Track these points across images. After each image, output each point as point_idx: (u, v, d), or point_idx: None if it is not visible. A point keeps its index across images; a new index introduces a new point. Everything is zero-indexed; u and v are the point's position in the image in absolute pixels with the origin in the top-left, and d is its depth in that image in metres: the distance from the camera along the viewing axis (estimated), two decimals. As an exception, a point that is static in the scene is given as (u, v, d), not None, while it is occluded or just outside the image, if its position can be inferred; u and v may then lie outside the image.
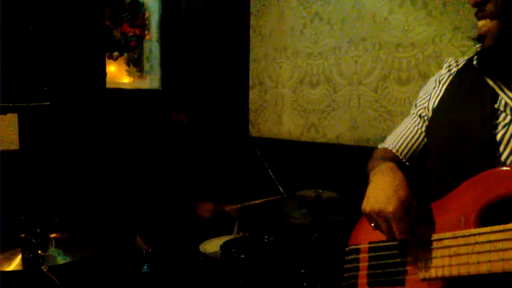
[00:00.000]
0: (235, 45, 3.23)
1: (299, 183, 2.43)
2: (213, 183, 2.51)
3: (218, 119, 2.93)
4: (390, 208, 0.91)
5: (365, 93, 2.49)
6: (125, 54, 2.78)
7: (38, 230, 1.31)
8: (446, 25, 2.12)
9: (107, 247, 1.67)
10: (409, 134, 1.17)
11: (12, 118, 1.99)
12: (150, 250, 1.60)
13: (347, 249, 1.15)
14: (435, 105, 1.09)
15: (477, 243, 0.82)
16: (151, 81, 2.98)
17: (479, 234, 0.83)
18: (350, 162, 2.53)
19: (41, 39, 1.01)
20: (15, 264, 1.50)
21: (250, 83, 3.22)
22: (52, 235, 1.43)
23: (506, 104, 0.91)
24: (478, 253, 0.81)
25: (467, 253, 0.83)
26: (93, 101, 1.16)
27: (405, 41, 2.29)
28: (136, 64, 2.89)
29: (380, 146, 1.27)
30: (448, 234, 0.88)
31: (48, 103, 1.04)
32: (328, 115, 2.70)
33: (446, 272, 0.86)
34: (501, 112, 0.91)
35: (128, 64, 2.84)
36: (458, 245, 0.85)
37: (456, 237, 0.86)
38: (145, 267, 1.58)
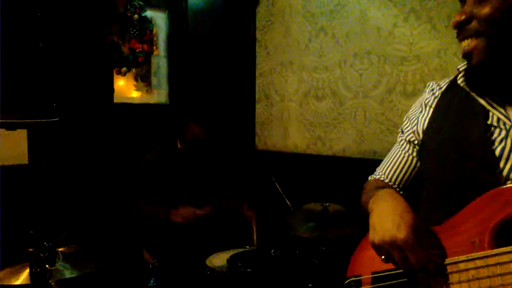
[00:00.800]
0: (241, 59, 3.27)
1: (306, 196, 2.43)
2: (219, 195, 2.51)
3: (224, 133, 2.94)
4: (401, 235, 0.86)
5: (371, 106, 2.50)
6: (134, 69, 2.82)
7: (46, 244, 1.32)
8: (451, 39, 2.13)
9: (114, 261, 1.68)
10: (400, 161, 1.15)
11: (21, 133, 2.02)
12: (156, 264, 1.60)
13: (346, 282, 1.09)
14: (424, 127, 1.07)
15: (499, 264, 0.78)
16: (159, 95, 3.01)
17: (499, 254, 0.79)
18: (357, 175, 2.51)
19: (50, 56, 1.04)
20: (22, 278, 1.52)
21: (257, 97, 3.24)
22: (60, 249, 1.44)
23: (498, 119, 0.91)
24: (501, 275, 0.77)
25: (489, 276, 0.79)
26: (101, 116, 1.18)
27: (410, 55, 2.30)
28: (144, 79, 2.92)
29: (371, 177, 1.25)
30: (462, 257, 0.84)
31: (57, 119, 1.06)
32: (334, 128, 2.71)
33: None
34: (495, 127, 0.91)
35: (136, 79, 2.88)
36: (477, 268, 0.81)
37: (473, 260, 0.82)
38: (152, 281, 1.57)
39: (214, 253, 2.17)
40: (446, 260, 0.87)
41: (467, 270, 0.83)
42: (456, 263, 0.85)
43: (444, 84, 1.09)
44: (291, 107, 2.98)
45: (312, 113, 2.84)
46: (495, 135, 0.90)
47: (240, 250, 2.17)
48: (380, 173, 1.20)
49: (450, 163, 0.95)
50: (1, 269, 1.51)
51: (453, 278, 0.84)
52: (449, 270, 0.86)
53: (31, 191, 2.02)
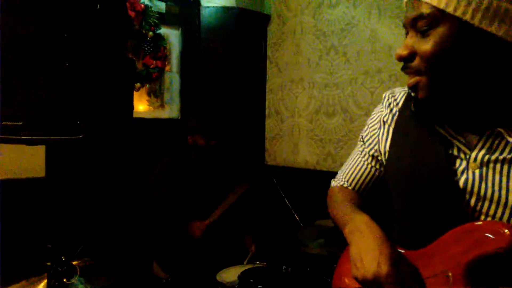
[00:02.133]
0: (252, 76, 3.31)
1: (317, 212, 2.44)
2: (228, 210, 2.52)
3: (234, 147, 2.97)
4: (381, 272, 0.86)
5: (381, 123, 2.52)
6: (147, 85, 2.87)
7: (63, 258, 1.34)
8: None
9: (127, 275, 1.69)
10: (364, 171, 1.14)
11: (39, 147, 2.06)
12: (170, 279, 1.61)
13: None
14: (387, 149, 1.05)
15: None
16: (171, 111, 3.06)
17: None
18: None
19: (74, 75, 1.07)
20: (38, 291, 1.53)
21: (267, 112, 3.28)
22: (75, 263, 1.46)
23: (459, 148, 0.89)
24: None
25: None
26: (120, 132, 1.20)
27: (421, 73, 2.33)
28: (156, 94, 2.98)
29: (333, 183, 1.25)
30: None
31: (81, 136, 1.08)
32: (345, 145, 2.73)
33: None
34: (456, 157, 0.89)
35: (149, 95, 2.93)
36: None
37: None
38: (165, 296, 1.58)
39: (223, 268, 2.17)
40: None
41: None
42: None
43: (400, 97, 1.05)
44: (301, 123, 3.01)
45: (322, 130, 2.87)
46: (456, 165, 0.88)
47: (250, 266, 2.17)
48: (343, 179, 1.20)
49: (416, 193, 0.94)
50: (17, 282, 1.53)
51: None
52: None
53: (48, 204, 2.06)
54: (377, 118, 1.10)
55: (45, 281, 1.47)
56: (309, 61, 2.94)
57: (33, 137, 1.10)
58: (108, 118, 1.28)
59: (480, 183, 0.86)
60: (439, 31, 0.82)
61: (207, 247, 2.36)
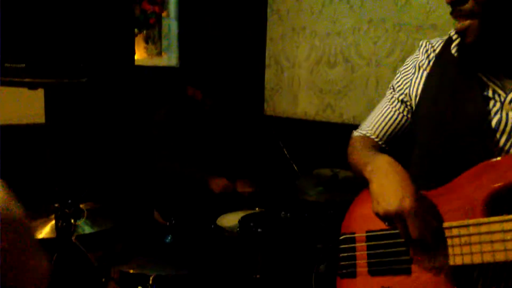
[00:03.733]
0: (252, 24, 3.23)
1: (315, 162, 2.48)
2: (226, 159, 2.55)
3: (233, 97, 2.95)
4: (405, 205, 0.88)
5: (383, 74, 2.49)
6: (144, 32, 2.80)
7: (70, 200, 1.38)
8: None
9: (131, 218, 1.74)
10: (390, 118, 1.14)
11: (38, 92, 2.04)
12: (173, 222, 1.67)
13: (341, 237, 1.13)
14: (419, 92, 1.06)
15: (490, 232, 0.82)
16: (169, 58, 3.00)
17: (491, 223, 0.83)
18: (366, 142, 2.55)
19: (76, 17, 1.04)
20: (45, 232, 1.58)
21: (267, 62, 3.22)
22: (82, 206, 1.50)
23: (494, 91, 0.93)
24: (492, 242, 0.82)
25: (480, 242, 0.83)
26: (122, 78, 1.19)
27: (426, 23, 2.28)
28: (154, 41, 2.91)
29: (355, 133, 1.25)
30: (456, 223, 0.88)
31: (84, 79, 1.07)
32: (345, 96, 2.72)
33: (458, 261, 0.86)
34: (490, 99, 0.93)
35: (146, 42, 2.86)
36: (470, 234, 0.85)
37: (467, 226, 0.86)
38: (169, 238, 1.64)
39: (222, 214, 2.23)
40: (442, 225, 0.91)
41: (459, 236, 0.87)
42: (449, 228, 0.89)
43: (437, 45, 1.07)
44: (301, 74, 2.98)
45: (323, 80, 2.84)
46: (490, 106, 0.92)
47: (250, 211, 2.23)
48: (367, 129, 1.20)
49: (446, 133, 0.97)
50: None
51: (447, 242, 0.89)
52: (444, 235, 0.90)
53: (50, 150, 2.07)
54: (411, 64, 1.11)
55: (52, 222, 1.52)
56: (311, 9, 2.86)
57: (36, 80, 1.09)
58: (110, 62, 1.27)
59: None
60: None
61: (206, 194, 2.41)
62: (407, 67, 1.12)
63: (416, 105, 1.07)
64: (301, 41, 2.95)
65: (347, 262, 1.09)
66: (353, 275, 1.07)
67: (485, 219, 0.84)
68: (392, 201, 0.90)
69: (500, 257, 0.81)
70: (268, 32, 3.18)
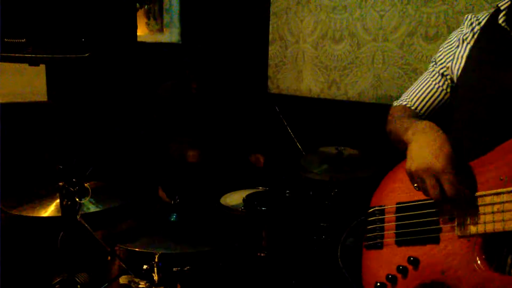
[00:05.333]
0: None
1: (320, 140, 2.45)
2: (230, 137, 2.54)
3: (236, 74, 2.91)
4: (438, 164, 0.91)
5: (390, 49, 2.44)
6: (146, 6, 2.73)
7: (74, 179, 1.36)
8: (481, -21, 2.03)
9: (135, 196, 1.74)
10: (430, 91, 1.16)
11: (39, 71, 2.00)
12: (178, 200, 1.66)
13: (369, 210, 1.15)
14: (461, 65, 1.07)
15: None
16: (171, 34, 2.94)
17: None
18: (372, 120, 2.52)
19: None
20: (50, 210, 1.58)
21: (270, 38, 3.16)
22: (86, 184, 1.48)
23: None
24: None
25: None
26: (124, 54, 1.15)
27: (436, -5, 2.21)
28: (155, 16, 2.84)
29: (395, 103, 1.26)
30: (490, 192, 0.89)
31: (87, 54, 1.04)
32: (351, 72, 2.67)
33: (489, 228, 0.87)
34: None
35: (147, 17, 2.79)
36: (503, 202, 0.86)
37: (500, 194, 0.87)
38: (174, 217, 1.64)
39: (226, 193, 2.23)
40: (476, 193, 0.92)
41: (493, 204, 0.88)
42: (482, 196, 0.90)
43: (482, 18, 1.07)
44: (306, 49, 2.92)
45: (328, 56, 2.78)
46: None
47: (253, 190, 2.22)
48: (407, 100, 1.21)
49: (487, 104, 0.97)
50: (31, 202, 1.57)
51: (479, 210, 0.90)
52: (476, 203, 0.91)
53: (53, 128, 2.05)
54: (455, 38, 1.12)
55: (57, 201, 1.51)
56: (316, -19, 2.78)
57: (37, 55, 1.06)
58: (112, 37, 1.22)
59: None
60: None
61: (210, 172, 2.41)
62: (451, 41, 1.13)
63: (459, 77, 1.08)
64: (305, 15, 2.88)
65: (374, 234, 1.11)
66: (380, 246, 1.09)
67: None
68: (426, 158, 0.92)
69: None
70: (272, 6, 3.10)
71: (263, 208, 1.94)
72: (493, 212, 0.87)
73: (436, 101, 1.16)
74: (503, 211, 0.86)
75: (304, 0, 2.88)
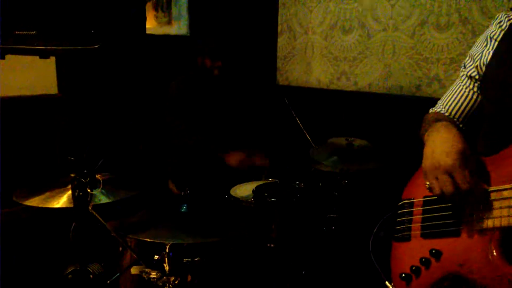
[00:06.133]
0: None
1: (329, 131, 2.44)
2: (240, 130, 2.54)
3: (245, 66, 2.89)
4: (449, 160, 0.92)
5: (400, 39, 2.41)
6: (154, -2, 2.73)
7: (86, 170, 1.37)
8: (494, -35, 1.99)
9: (146, 188, 1.75)
10: (461, 96, 1.18)
11: (49, 63, 2.01)
12: (188, 192, 1.67)
13: (400, 203, 1.17)
14: (488, 60, 1.09)
15: None
16: (179, 27, 2.93)
17: None
18: (382, 111, 2.50)
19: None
20: (62, 201, 1.60)
21: (279, 29, 3.14)
22: (98, 176, 1.49)
23: None
24: None
25: None
26: (133, 46, 1.16)
27: (448, -17, 2.17)
28: (163, 9, 2.83)
29: (431, 110, 1.28)
30: (507, 186, 0.90)
31: (96, 46, 1.04)
32: (361, 63, 2.64)
33: (505, 222, 0.88)
34: None
35: (156, 9, 2.79)
36: None
37: None
38: (184, 207, 1.65)
39: (236, 184, 2.23)
40: (491, 188, 0.93)
41: (509, 198, 0.88)
42: (500, 190, 0.91)
43: None
44: (315, 40, 2.89)
45: (337, 47, 2.76)
46: None
47: (264, 181, 2.23)
48: (441, 106, 1.24)
49: (510, 97, 0.98)
50: (43, 193, 1.59)
51: (496, 204, 0.91)
52: (492, 197, 0.92)
53: (64, 120, 2.07)
54: (482, 38, 1.14)
55: (69, 192, 1.53)
56: (325, -28, 2.74)
57: (47, 47, 1.06)
58: (121, 29, 1.23)
59: None
60: None
61: (219, 165, 2.41)
62: (479, 43, 1.15)
63: (484, 72, 1.10)
64: (314, 6, 2.85)
65: (403, 226, 1.13)
66: (408, 238, 1.11)
67: None
68: (439, 156, 0.95)
69: None
70: (280, -3, 3.08)
71: (272, 200, 1.94)
72: (509, 206, 0.88)
73: (470, 105, 1.18)
74: None
75: (313, -10, 2.85)
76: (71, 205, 1.45)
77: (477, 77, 1.14)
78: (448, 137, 0.97)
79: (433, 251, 1.01)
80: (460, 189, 0.92)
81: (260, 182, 2.17)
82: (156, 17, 2.81)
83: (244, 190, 2.18)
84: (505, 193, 0.89)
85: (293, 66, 3.09)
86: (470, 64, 1.16)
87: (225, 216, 1.85)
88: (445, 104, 1.23)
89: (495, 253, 0.89)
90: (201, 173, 2.42)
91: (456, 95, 1.20)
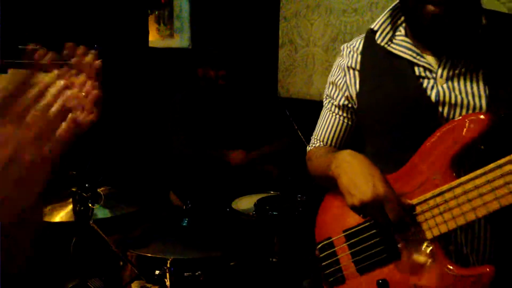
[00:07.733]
0: (265, 2, 3.15)
1: (331, 143, 2.43)
2: (241, 143, 2.53)
3: (246, 78, 2.91)
4: (380, 191, 0.88)
5: (402, 52, 2.42)
6: (156, 12, 2.75)
7: (87, 185, 1.37)
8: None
9: (147, 202, 1.74)
10: (334, 124, 1.17)
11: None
12: (189, 205, 1.66)
13: (318, 246, 1.10)
14: (357, 90, 1.09)
15: (465, 192, 0.85)
16: (181, 40, 2.96)
17: (463, 183, 0.85)
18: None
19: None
20: (63, 216, 1.59)
21: (280, 42, 3.15)
22: (99, 190, 1.49)
23: (425, 69, 0.97)
24: (469, 200, 0.84)
25: (459, 204, 0.85)
26: (136, 59, 1.16)
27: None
28: (165, 22, 2.86)
29: (309, 148, 1.27)
30: (429, 194, 0.89)
31: (99, 61, 1.04)
32: (362, 75, 2.65)
33: (443, 229, 0.88)
34: (423, 77, 0.97)
35: (158, 22, 2.81)
36: (446, 201, 0.87)
37: (441, 194, 0.88)
38: (185, 221, 1.64)
39: (238, 197, 2.22)
40: (414, 200, 0.92)
41: (437, 205, 0.88)
42: (425, 201, 0.90)
43: (357, 44, 1.11)
44: (316, 53, 2.91)
45: (338, 59, 2.77)
46: (425, 84, 0.97)
47: (265, 195, 2.21)
48: (317, 140, 1.22)
49: (392, 118, 1.00)
50: (44, 207, 1.58)
51: (426, 215, 0.90)
52: (419, 210, 0.91)
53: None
54: (338, 69, 1.15)
55: (70, 206, 1.52)
56: (326, -15, 2.77)
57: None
58: (124, 43, 1.23)
59: (450, 93, 0.94)
60: None
61: (221, 177, 2.40)
62: (336, 73, 1.16)
63: (358, 99, 1.10)
64: (315, 19, 2.87)
65: (331, 269, 1.06)
66: (342, 280, 1.04)
67: (456, 181, 0.86)
68: (365, 189, 0.90)
69: (482, 212, 0.83)
70: (281, 10, 3.10)
71: (274, 213, 1.93)
72: (440, 213, 0.88)
73: (346, 133, 1.17)
74: (450, 209, 0.87)
75: (313, 3, 2.87)
76: (72, 219, 1.44)
77: (349, 105, 1.13)
78: (361, 165, 0.93)
79: (380, 281, 0.94)
80: (392, 220, 0.89)
81: (262, 195, 2.16)
82: (158, 30, 2.83)
83: (246, 203, 2.17)
84: (431, 202, 0.89)
85: (294, 79, 3.09)
86: (337, 94, 1.15)
87: (226, 230, 1.84)
88: (320, 137, 1.20)
89: (445, 261, 0.88)
90: (203, 185, 2.41)
91: (329, 125, 1.18)
